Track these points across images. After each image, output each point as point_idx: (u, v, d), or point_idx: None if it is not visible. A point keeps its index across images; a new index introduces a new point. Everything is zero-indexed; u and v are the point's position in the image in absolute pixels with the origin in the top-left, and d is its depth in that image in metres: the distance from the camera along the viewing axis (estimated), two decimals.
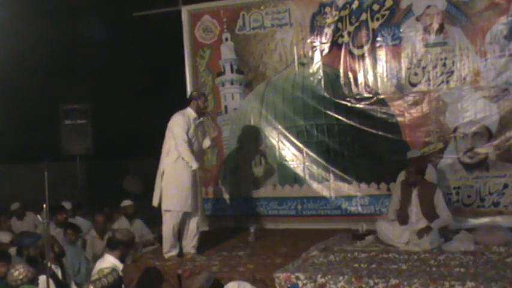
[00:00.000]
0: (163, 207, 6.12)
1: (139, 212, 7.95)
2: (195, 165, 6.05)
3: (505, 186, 6.67)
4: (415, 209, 6.07)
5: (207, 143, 6.49)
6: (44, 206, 4.42)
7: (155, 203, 6.19)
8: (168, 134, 6.19)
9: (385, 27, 7.11)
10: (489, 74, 6.69)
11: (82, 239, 7.16)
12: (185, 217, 6.17)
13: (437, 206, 6.02)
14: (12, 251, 6.15)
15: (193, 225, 6.23)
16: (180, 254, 6.18)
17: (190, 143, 6.11)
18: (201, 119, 6.33)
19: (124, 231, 5.44)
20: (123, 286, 4.89)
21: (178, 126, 6.08)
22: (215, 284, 4.63)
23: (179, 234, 6.24)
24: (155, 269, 5.77)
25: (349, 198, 7.33)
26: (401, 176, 6.52)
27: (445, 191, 6.53)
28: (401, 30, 7.04)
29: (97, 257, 6.59)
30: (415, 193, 6.10)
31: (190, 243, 6.23)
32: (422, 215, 6.00)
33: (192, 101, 6.28)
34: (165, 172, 6.11)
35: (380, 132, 7.14)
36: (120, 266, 5.11)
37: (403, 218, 6.04)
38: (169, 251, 6.12)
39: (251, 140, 7.85)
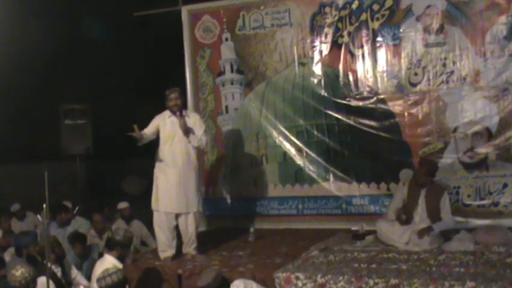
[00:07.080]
0: (152, 207, 6.18)
1: (139, 213, 7.94)
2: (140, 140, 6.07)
3: (505, 185, 6.67)
4: (420, 210, 6.03)
5: (193, 140, 6.08)
6: (44, 206, 4.42)
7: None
8: None
9: (385, 27, 7.11)
10: (489, 74, 6.69)
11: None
12: (178, 217, 6.13)
13: (442, 209, 5.99)
14: (11, 251, 6.15)
15: (188, 224, 6.14)
16: (177, 255, 6.13)
17: (164, 140, 6.13)
18: (183, 114, 6.10)
19: (121, 232, 5.50)
20: (127, 286, 4.89)
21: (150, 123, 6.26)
22: (222, 282, 4.64)
23: (178, 235, 6.22)
24: (155, 269, 5.77)
25: (349, 198, 7.33)
26: (403, 175, 6.52)
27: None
28: (401, 30, 7.03)
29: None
30: (423, 194, 6.06)
31: (190, 244, 6.20)
32: (427, 217, 5.97)
33: None
34: (154, 173, 6.22)
35: (380, 132, 7.14)
36: (120, 266, 5.13)
37: (406, 218, 6.02)
38: (164, 251, 6.09)
39: (251, 139, 7.85)
